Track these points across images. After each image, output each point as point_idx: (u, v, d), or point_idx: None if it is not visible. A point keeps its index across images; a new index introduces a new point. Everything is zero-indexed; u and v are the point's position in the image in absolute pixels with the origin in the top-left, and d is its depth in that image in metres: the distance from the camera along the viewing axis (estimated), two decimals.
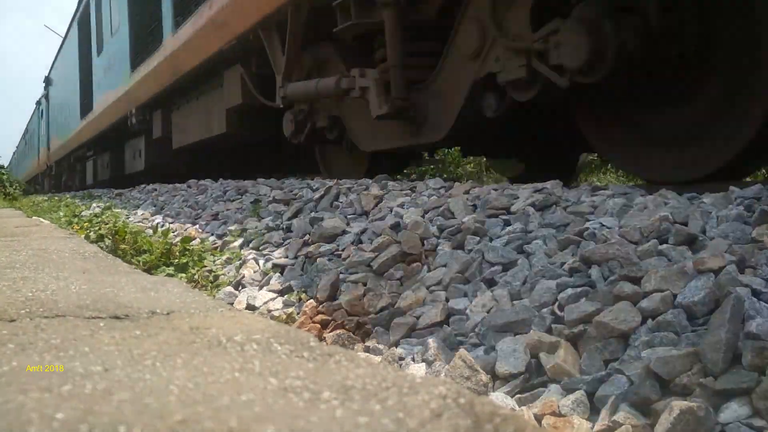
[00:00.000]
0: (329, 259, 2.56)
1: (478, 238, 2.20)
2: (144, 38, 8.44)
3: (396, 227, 2.52)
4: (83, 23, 13.31)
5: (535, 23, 2.98)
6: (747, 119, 2.57)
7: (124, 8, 9.38)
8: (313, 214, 3.18)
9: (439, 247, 2.26)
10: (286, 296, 2.42)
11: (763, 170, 7.42)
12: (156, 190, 6.95)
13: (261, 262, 2.85)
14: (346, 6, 3.89)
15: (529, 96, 3.08)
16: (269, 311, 2.31)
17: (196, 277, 2.85)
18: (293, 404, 0.72)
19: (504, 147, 4.78)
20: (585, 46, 2.66)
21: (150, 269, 2.90)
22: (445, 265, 2.11)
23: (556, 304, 1.66)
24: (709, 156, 2.71)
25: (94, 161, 13.47)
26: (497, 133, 4.10)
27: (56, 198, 11.34)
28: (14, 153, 40.76)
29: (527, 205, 2.32)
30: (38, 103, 23.16)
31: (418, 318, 1.89)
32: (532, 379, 1.48)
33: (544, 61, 2.89)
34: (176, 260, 3.04)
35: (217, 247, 3.39)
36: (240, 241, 3.32)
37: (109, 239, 3.55)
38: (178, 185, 6.35)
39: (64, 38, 16.31)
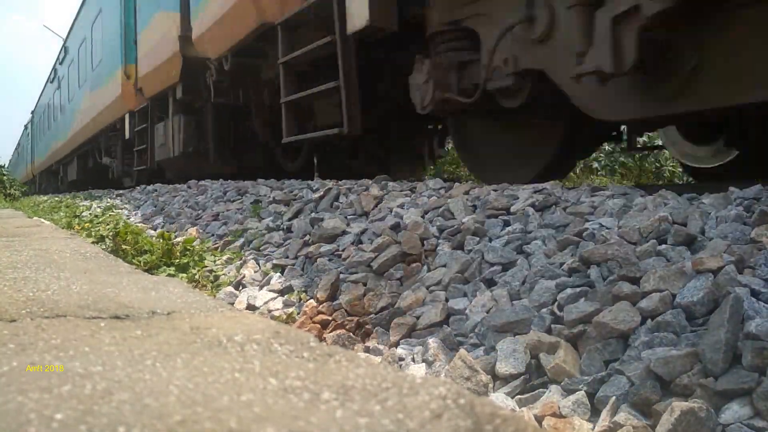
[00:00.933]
0: (329, 260, 2.56)
1: (477, 239, 2.20)
2: None
3: (396, 228, 2.52)
4: None
5: None
6: None
7: None
8: (313, 214, 3.18)
9: (438, 248, 2.26)
10: (286, 296, 2.42)
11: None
12: (156, 191, 6.96)
13: (261, 262, 2.86)
14: None
15: None
16: (270, 311, 2.31)
17: (196, 277, 2.85)
18: (293, 405, 0.72)
19: None
20: None
21: (151, 269, 2.90)
22: (444, 266, 2.11)
23: (556, 304, 1.66)
24: None
25: None
26: None
27: (57, 198, 11.23)
28: (28, 123, 29.22)
29: (527, 205, 2.32)
30: None
31: (418, 318, 1.89)
32: (532, 380, 1.48)
33: None
34: (177, 260, 3.05)
35: (217, 248, 3.40)
36: (240, 241, 3.33)
37: (110, 240, 3.55)
38: (178, 186, 6.36)
39: None
